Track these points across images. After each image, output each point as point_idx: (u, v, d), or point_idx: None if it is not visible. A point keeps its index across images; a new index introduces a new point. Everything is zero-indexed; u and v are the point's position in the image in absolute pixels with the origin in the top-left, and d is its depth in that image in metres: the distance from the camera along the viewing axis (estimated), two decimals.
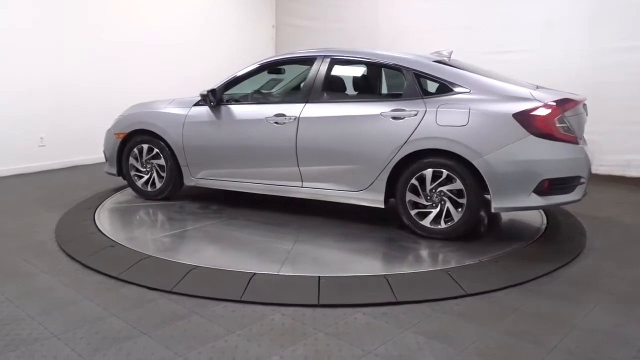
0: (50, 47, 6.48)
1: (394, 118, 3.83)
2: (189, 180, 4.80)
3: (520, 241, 3.88)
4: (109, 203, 4.90)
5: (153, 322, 2.64)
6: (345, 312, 2.76)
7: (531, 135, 3.48)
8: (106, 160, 5.24)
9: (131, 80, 7.35)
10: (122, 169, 5.09)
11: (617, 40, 5.85)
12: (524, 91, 3.67)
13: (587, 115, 4.04)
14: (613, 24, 5.86)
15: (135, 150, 4.98)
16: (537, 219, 4.34)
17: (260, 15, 9.24)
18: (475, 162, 3.56)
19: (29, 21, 6.26)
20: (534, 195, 3.52)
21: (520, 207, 3.64)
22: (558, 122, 3.53)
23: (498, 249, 3.68)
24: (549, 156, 3.51)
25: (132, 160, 5.03)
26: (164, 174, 4.88)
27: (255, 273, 3.16)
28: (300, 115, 4.16)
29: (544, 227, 4.17)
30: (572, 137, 3.60)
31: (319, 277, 3.11)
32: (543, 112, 3.50)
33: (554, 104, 3.54)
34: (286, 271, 3.25)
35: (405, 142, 3.76)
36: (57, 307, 2.81)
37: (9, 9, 6.10)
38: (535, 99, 3.56)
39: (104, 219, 4.33)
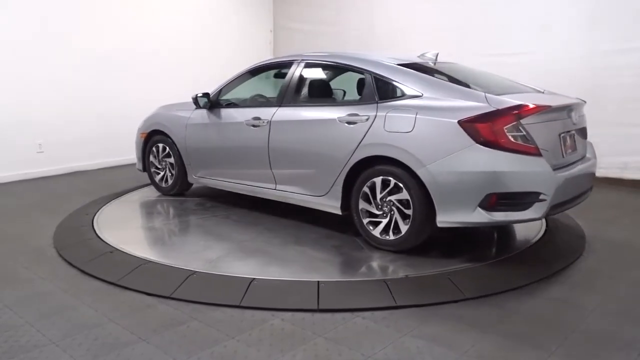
0: (48, 52, 6.47)
1: (349, 123, 3.72)
2: (191, 179, 5.07)
3: (519, 244, 3.88)
4: (107, 209, 4.89)
5: (152, 327, 2.64)
6: (344, 316, 2.76)
7: (477, 144, 3.16)
8: (137, 158, 5.58)
9: (130, 84, 7.34)
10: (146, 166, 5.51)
11: (615, 43, 5.85)
12: (479, 95, 3.34)
13: (573, 121, 3.66)
14: (611, 26, 5.87)
15: (154, 149, 5.34)
16: (536, 222, 4.33)
17: (260, 18, 9.27)
18: (419, 172, 3.33)
19: (28, 26, 6.25)
20: (479, 210, 3.20)
21: (465, 222, 3.28)
22: (510, 131, 3.17)
23: (497, 252, 3.68)
24: (496, 168, 3.14)
25: (151, 158, 5.40)
26: (174, 172, 5.18)
27: (251, 277, 3.18)
28: (272, 119, 4.20)
29: (543, 230, 4.15)
30: (529, 148, 3.19)
31: (318, 282, 3.11)
32: (489, 119, 3.18)
33: (506, 110, 3.20)
34: (209, 269, 3.32)
35: (356, 148, 3.64)
36: (55, 314, 2.80)
37: (8, 8, 6.09)
38: (489, 105, 3.24)
39: (102, 225, 4.32)
